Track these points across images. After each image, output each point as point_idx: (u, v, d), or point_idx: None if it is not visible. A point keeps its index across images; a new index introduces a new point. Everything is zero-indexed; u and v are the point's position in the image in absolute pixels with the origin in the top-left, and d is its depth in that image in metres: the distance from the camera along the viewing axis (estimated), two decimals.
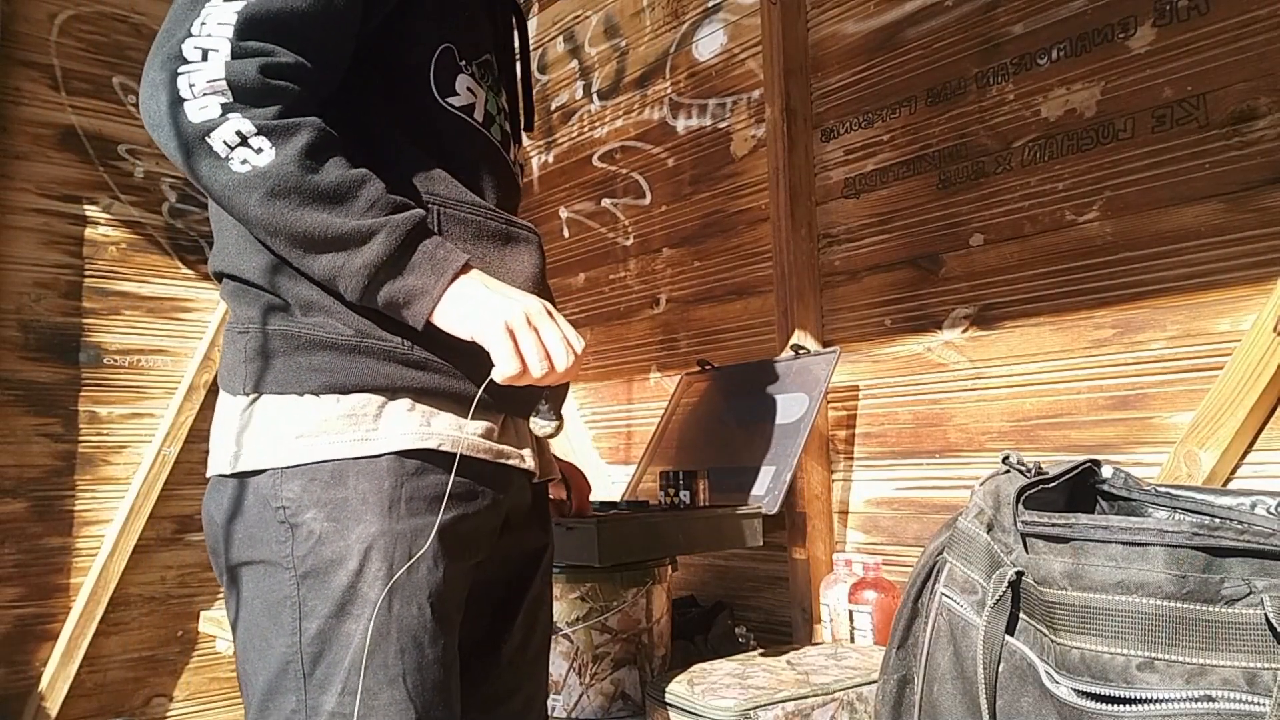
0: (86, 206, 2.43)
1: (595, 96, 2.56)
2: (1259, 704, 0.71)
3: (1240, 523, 0.77)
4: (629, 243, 2.43)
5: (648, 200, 2.37)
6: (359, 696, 0.79)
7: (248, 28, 0.77)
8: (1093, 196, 1.49)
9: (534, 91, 1.17)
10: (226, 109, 0.76)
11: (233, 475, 0.86)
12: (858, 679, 1.29)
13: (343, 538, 0.82)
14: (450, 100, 0.92)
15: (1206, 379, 1.33)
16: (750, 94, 2.10)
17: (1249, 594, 0.73)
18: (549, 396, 0.90)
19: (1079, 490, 1.00)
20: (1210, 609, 0.74)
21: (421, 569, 0.83)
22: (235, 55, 0.77)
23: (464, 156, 0.93)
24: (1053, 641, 0.83)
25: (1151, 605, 0.76)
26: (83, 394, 2.41)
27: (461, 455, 0.87)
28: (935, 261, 1.71)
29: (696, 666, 1.42)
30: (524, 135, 1.12)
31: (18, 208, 2.33)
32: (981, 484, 1.03)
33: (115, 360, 2.46)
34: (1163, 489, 0.98)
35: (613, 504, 1.73)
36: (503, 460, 0.92)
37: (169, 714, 2.51)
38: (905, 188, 1.77)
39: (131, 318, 2.49)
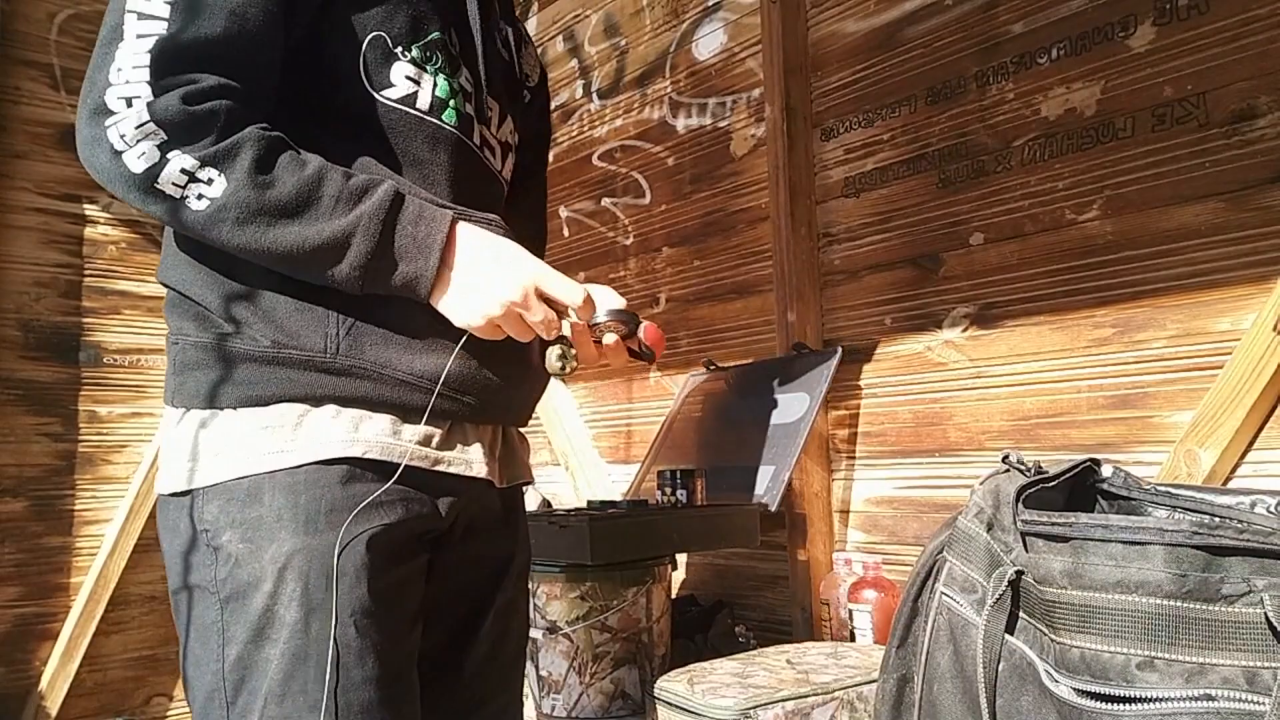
0: (86, 206, 2.43)
1: (595, 96, 2.56)
2: (1259, 703, 0.71)
3: (1240, 522, 0.77)
4: (629, 242, 2.43)
5: (647, 199, 2.37)
6: None
7: (162, 64, 0.74)
8: (1093, 195, 1.49)
9: (523, 55, 1.07)
10: (164, 149, 0.74)
11: (169, 495, 0.83)
12: (858, 678, 1.29)
13: (257, 559, 0.78)
14: (386, 93, 0.87)
15: (1207, 378, 1.33)
16: (750, 93, 2.10)
17: (1249, 593, 0.73)
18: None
19: (1079, 489, 1.00)
20: (1210, 608, 0.74)
21: (343, 585, 0.78)
22: (157, 94, 0.74)
23: (408, 151, 0.88)
24: (1053, 640, 0.83)
25: (1151, 604, 0.76)
26: (83, 393, 2.41)
27: (395, 462, 0.82)
28: (935, 261, 1.71)
29: (696, 666, 1.42)
30: (509, 105, 1.02)
31: (17, 207, 2.33)
32: (981, 483, 1.03)
33: (115, 359, 2.46)
34: (1163, 488, 0.98)
35: (613, 503, 1.73)
36: (443, 468, 0.86)
37: (169, 713, 2.51)
38: (905, 187, 1.77)
39: (131, 317, 2.49)
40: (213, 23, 0.76)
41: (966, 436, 1.65)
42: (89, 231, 2.44)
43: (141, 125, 0.73)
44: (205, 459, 0.81)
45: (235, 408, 0.81)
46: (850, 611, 1.61)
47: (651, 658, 1.51)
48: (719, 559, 2.10)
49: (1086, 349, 1.49)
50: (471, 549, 0.93)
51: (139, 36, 0.75)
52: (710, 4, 2.22)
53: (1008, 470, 1.00)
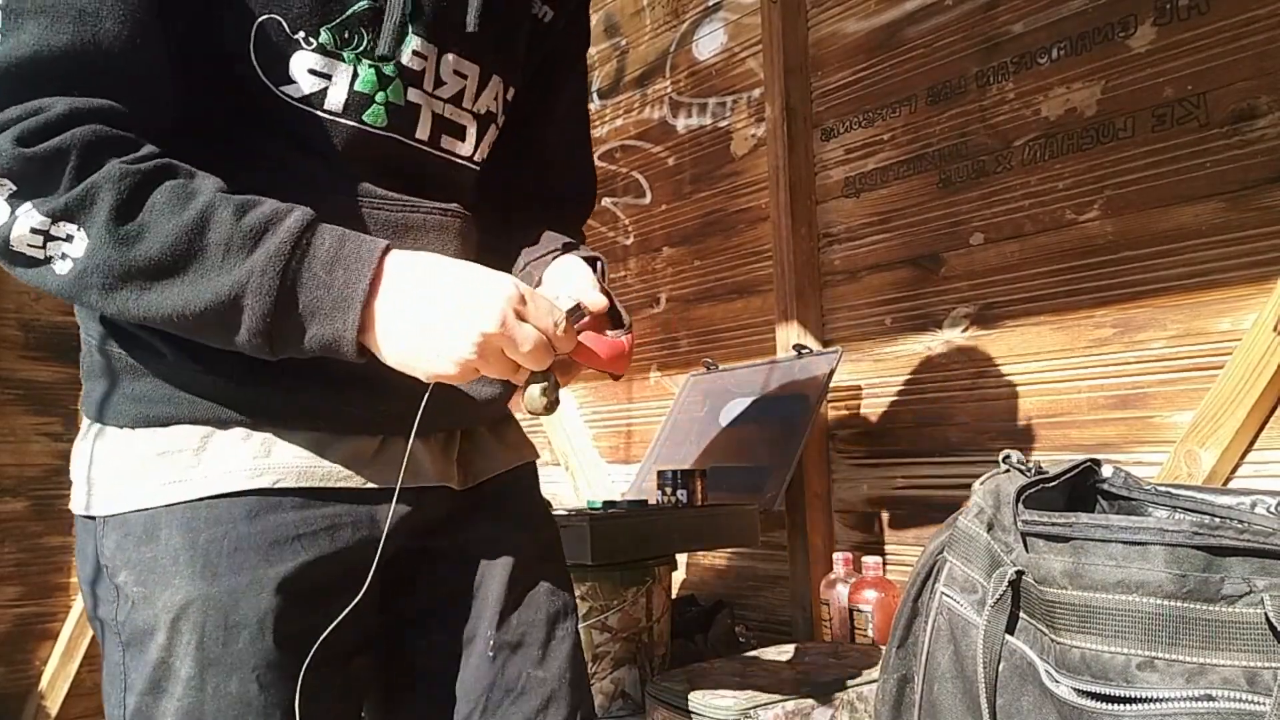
0: None
1: (595, 95, 2.56)
2: (1259, 703, 0.71)
3: (1240, 522, 0.77)
4: (629, 242, 2.43)
5: (648, 199, 2.37)
6: None
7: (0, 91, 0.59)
8: (1093, 196, 1.49)
9: None
10: (13, 202, 0.58)
11: (78, 515, 0.74)
12: (858, 679, 1.29)
13: (150, 605, 0.69)
14: (285, 89, 0.70)
15: (1207, 378, 1.33)
16: (750, 93, 2.10)
17: (1249, 593, 0.73)
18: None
19: (1079, 490, 1.00)
20: (1210, 608, 0.74)
21: (242, 637, 0.68)
22: None
23: (325, 155, 0.73)
24: (1053, 641, 0.83)
25: (1152, 604, 0.76)
26: None
27: (316, 488, 0.72)
28: (936, 261, 1.71)
29: (696, 666, 1.42)
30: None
31: None
32: (981, 483, 1.03)
33: None
34: (1163, 488, 0.98)
35: (613, 502, 1.73)
36: (377, 485, 0.75)
37: None
38: (905, 187, 1.77)
39: None
40: (55, 30, 0.59)
41: (967, 436, 1.65)
42: None
43: None
44: (101, 484, 0.71)
45: (133, 428, 0.70)
46: (850, 611, 1.61)
47: (651, 658, 1.51)
48: (719, 559, 2.10)
49: (1087, 349, 1.49)
50: (450, 549, 0.86)
51: None
52: (710, 4, 2.22)
53: (1008, 470, 1.00)
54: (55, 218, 0.59)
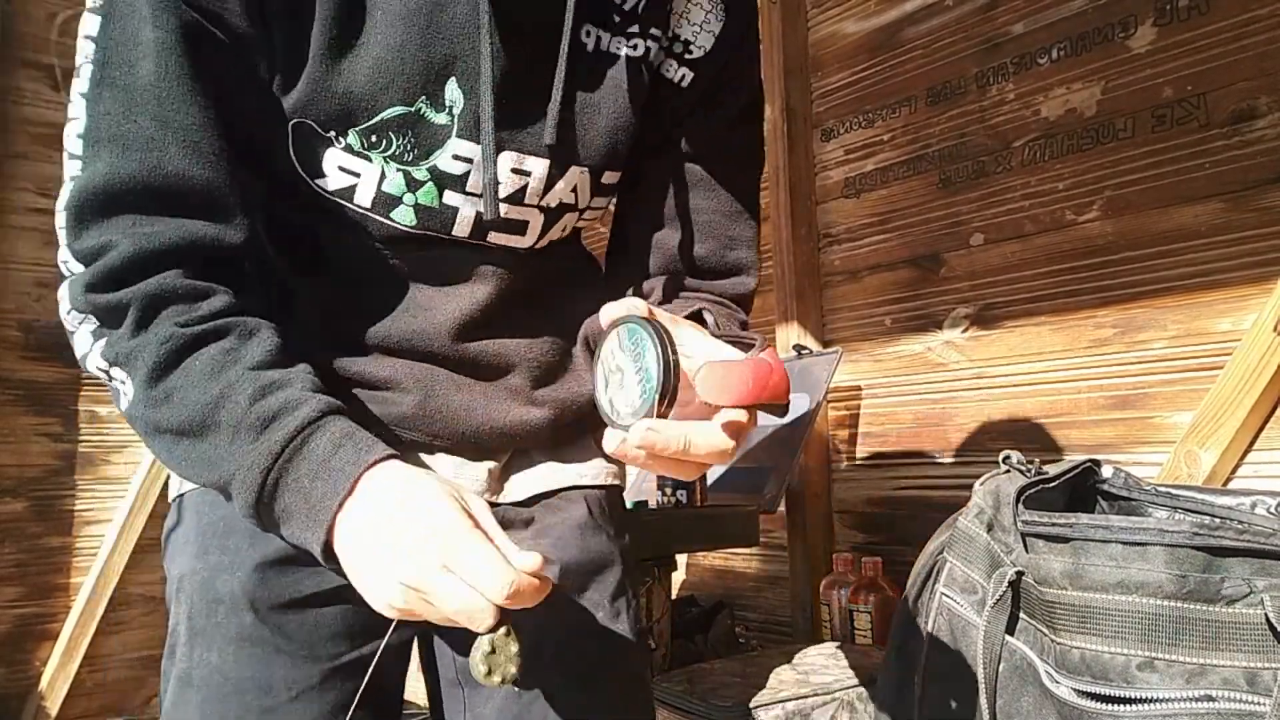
0: None
1: None
2: (1259, 704, 0.71)
3: (1240, 523, 0.77)
4: None
5: None
6: None
7: (74, 223, 0.63)
8: (1093, 196, 1.49)
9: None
10: (95, 334, 0.65)
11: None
12: (858, 679, 1.29)
13: (171, 579, 0.78)
14: (320, 182, 0.72)
15: (1207, 378, 1.33)
16: None
17: (1249, 594, 0.73)
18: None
19: (1079, 490, 1.00)
20: (1210, 609, 0.74)
21: (220, 611, 0.73)
22: (75, 271, 0.64)
23: (362, 243, 0.75)
24: (1053, 641, 0.83)
25: (1152, 605, 0.76)
26: (83, 394, 2.41)
27: None
28: (936, 261, 1.71)
29: (696, 666, 1.42)
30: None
31: (18, 207, 2.33)
32: (981, 484, 1.03)
33: None
34: (1163, 489, 0.98)
35: None
36: None
37: None
38: (905, 187, 1.77)
39: None
40: (126, 159, 0.63)
41: (967, 437, 1.65)
42: None
43: (69, 311, 0.65)
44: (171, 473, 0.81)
45: None
46: (850, 612, 1.61)
47: (652, 658, 1.51)
48: (719, 559, 2.10)
49: (1087, 349, 1.49)
50: None
51: (70, 179, 0.64)
52: None
53: (1008, 471, 1.00)
54: (111, 363, 0.64)
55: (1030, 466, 0.98)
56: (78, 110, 0.64)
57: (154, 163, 0.63)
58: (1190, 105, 1.38)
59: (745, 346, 0.64)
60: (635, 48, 0.75)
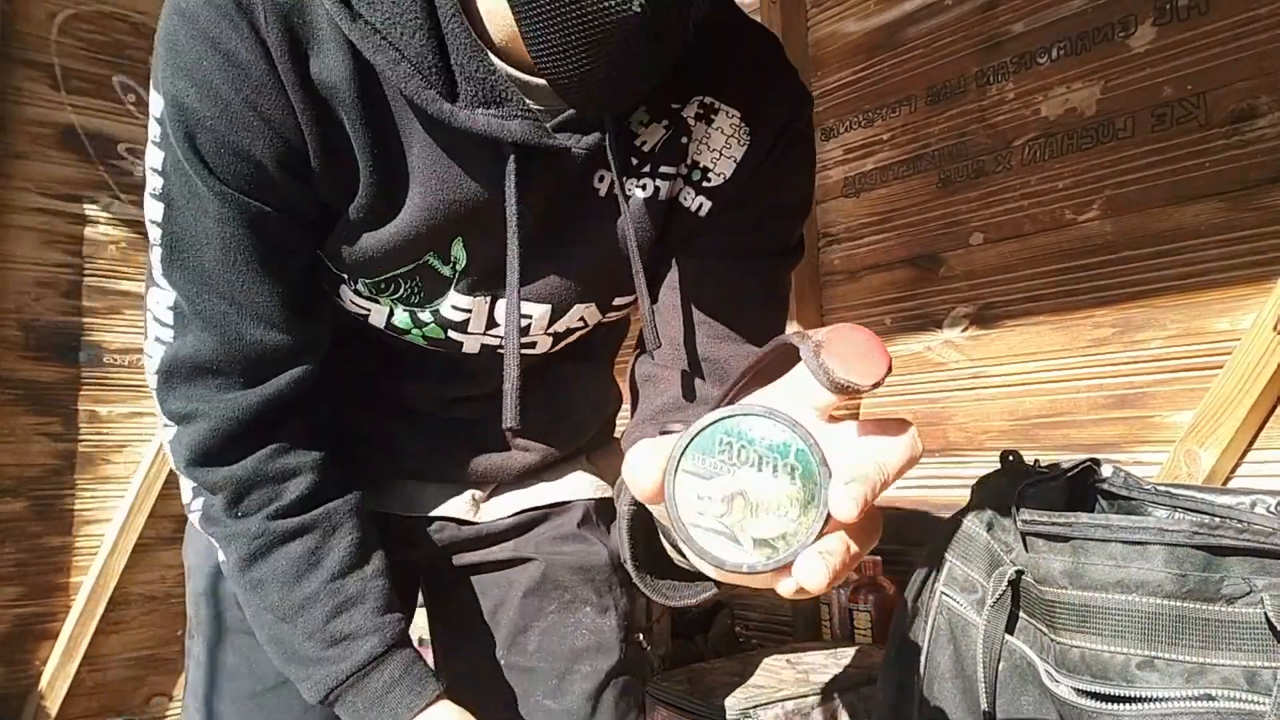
0: (87, 206, 2.43)
1: None
2: (1259, 703, 0.71)
3: (1240, 521, 0.77)
4: None
5: None
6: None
7: (167, 388, 0.70)
8: (1093, 195, 1.49)
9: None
10: (195, 493, 0.74)
11: None
12: (858, 679, 1.29)
13: (185, 564, 0.89)
14: (338, 300, 0.78)
15: (1206, 378, 1.33)
16: None
17: (1249, 593, 0.73)
18: None
19: (1079, 489, 1.00)
20: (1210, 608, 0.74)
21: (216, 604, 0.84)
22: (167, 419, 0.71)
23: (383, 342, 0.81)
24: (1053, 640, 0.83)
25: (1151, 604, 0.76)
26: (83, 393, 2.41)
27: None
28: (935, 261, 1.71)
29: (696, 666, 1.42)
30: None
31: (18, 207, 2.33)
32: (981, 483, 1.03)
33: (115, 360, 2.46)
34: (1163, 488, 0.98)
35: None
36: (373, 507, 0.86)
37: (169, 714, 2.51)
38: (905, 187, 1.77)
39: (132, 317, 2.49)
40: (208, 333, 0.68)
41: (966, 436, 1.65)
42: (90, 232, 2.43)
43: (174, 467, 0.73)
44: None
45: None
46: (850, 611, 1.61)
47: (651, 658, 1.51)
48: None
49: (1086, 349, 1.49)
50: (470, 569, 0.93)
51: (160, 343, 0.70)
52: None
53: (1008, 470, 1.00)
54: (207, 532, 0.74)
55: (1030, 466, 0.98)
56: (161, 282, 0.68)
57: (234, 336, 0.68)
58: (1190, 105, 1.38)
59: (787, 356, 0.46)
60: (645, 188, 0.73)
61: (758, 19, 2.03)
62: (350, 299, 0.76)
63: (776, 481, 0.40)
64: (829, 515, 0.40)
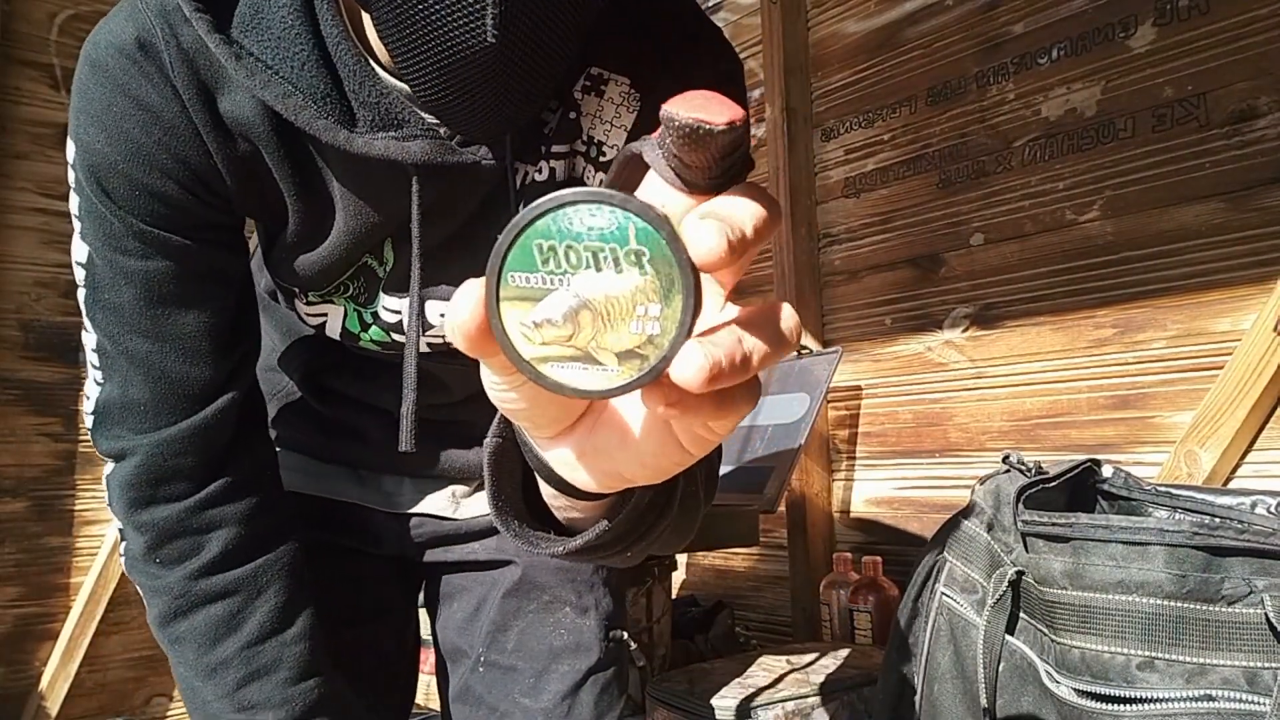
0: None
1: None
2: (1259, 703, 0.71)
3: (1240, 522, 0.77)
4: None
5: None
6: None
7: (100, 429, 0.70)
8: (1093, 196, 1.49)
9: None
10: (122, 535, 0.74)
11: None
12: (858, 679, 1.29)
13: None
14: (298, 308, 0.79)
15: (1207, 378, 1.33)
16: (750, 93, 2.10)
17: (1249, 593, 0.73)
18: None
19: (1079, 490, 1.00)
20: (1210, 608, 0.74)
21: None
22: (103, 455, 0.71)
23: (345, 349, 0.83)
24: (1053, 641, 0.83)
25: (1152, 605, 0.76)
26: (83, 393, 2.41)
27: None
28: (936, 261, 1.71)
29: (696, 666, 1.42)
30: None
31: (18, 207, 2.33)
32: (982, 483, 1.03)
33: None
34: (1163, 488, 0.98)
35: None
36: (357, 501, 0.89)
37: (169, 714, 2.51)
38: (905, 187, 1.77)
39: None
40: (133, 377, 0.68)
41: (967, 437, 1.65)
42: None
43: (107, 502, 0.72)
44: None
45: None
46: (850, 611, 1.61)
47: (652, 658, 1.51)
48: (719, 559, 2.10)
49: (1087, 349, 1.49)
50: (454, 564, 0.94)
51: (96, 385, 0.70)
52: (710, 4, 2.22)
53: (1008, 471, 1.00)
54: (129, 575, 0.72)
55: (1030, 466, 0.98)
56: (87, 324, 0.68)
57: (158, 374, 0.68)
58: (1190, 105, 1.38)
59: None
60: (541, 171, 0.72)
61: (757, 19, 2.04)
62: (305, 311, 0.77)
63: (622, 277, 0.31)
64: (698, 296, 0.30)
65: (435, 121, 0.65)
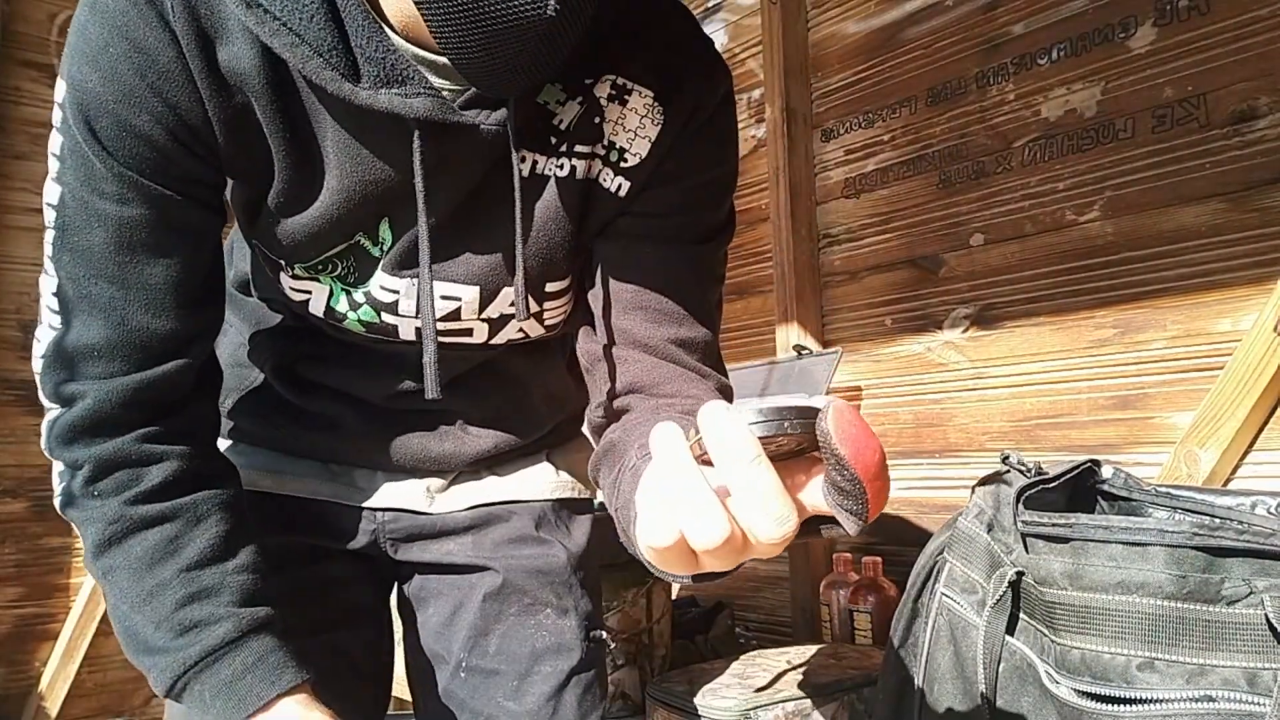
0: None
1: None
2: (1259, 704, 0.71)
3: (1240, 523, 0.77)
4: None
5: None
6: None
7: (51, 375, 0.68)
8: (1093, 196, 1.49)
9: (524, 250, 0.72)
10: (60, 478, 0.70)
11: None
12: (858, 679, 1.29)
13: None
14: (282, 283, 0.77)
15: (1207, 379, 1.33)
16: (750, 94, 2.10)
17: (1249, 594, 0.73)
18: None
19: (1079, 490, 1.00)
20: (1210, 609, 0.74)
21: None
22: (51, 403, 0.69)
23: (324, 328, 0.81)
24: (1053, 641, 0.83)
25: (1152, 605, 0.76)
26: None
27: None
28: (936, 261, 1.71)
29: (696, 667, 1.42)
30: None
31: (17, 207, 2.33)
32: (981, 484, 1.03)
33: None
34: (1163, 489, 0.98)
35: None
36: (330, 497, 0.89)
37: None
38: (905, 188, 1.77)
39: None
40: (91, 321, 0.66)
41: (967, 437, 1.65)
42: None
43: (45, 449, 0.70)
44: None
45: None
46: (850, 612, 1.61)
47: (652, 658, 1.51)
48: None
49: (1087, 350, 1.49)
50: (430, 565, 0.93)
51: (50, 329, 0.68)
52: (710, 5, 2.22)
53: (1008, 471, 1.00)
54: (65, 513, 0.69)
55: (1030, 467, 0.98)
56: (49, 268, 0.67)
57: (118, 321, 0.66)
58: (1190, 105, 1.38)
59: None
60: (562, 168, 0.73)
61: (757, 19, 2.04)
62: (289, 285, 0.76)
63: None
64: None
65: (441, 83, 0.66)
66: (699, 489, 0.43)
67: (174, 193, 0.66)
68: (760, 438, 0.42)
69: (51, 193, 0.66)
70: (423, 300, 0.70)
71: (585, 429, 0.86)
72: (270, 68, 0.64)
